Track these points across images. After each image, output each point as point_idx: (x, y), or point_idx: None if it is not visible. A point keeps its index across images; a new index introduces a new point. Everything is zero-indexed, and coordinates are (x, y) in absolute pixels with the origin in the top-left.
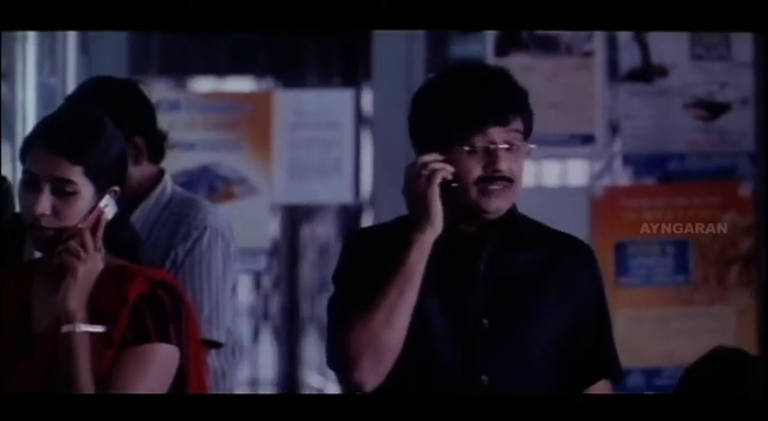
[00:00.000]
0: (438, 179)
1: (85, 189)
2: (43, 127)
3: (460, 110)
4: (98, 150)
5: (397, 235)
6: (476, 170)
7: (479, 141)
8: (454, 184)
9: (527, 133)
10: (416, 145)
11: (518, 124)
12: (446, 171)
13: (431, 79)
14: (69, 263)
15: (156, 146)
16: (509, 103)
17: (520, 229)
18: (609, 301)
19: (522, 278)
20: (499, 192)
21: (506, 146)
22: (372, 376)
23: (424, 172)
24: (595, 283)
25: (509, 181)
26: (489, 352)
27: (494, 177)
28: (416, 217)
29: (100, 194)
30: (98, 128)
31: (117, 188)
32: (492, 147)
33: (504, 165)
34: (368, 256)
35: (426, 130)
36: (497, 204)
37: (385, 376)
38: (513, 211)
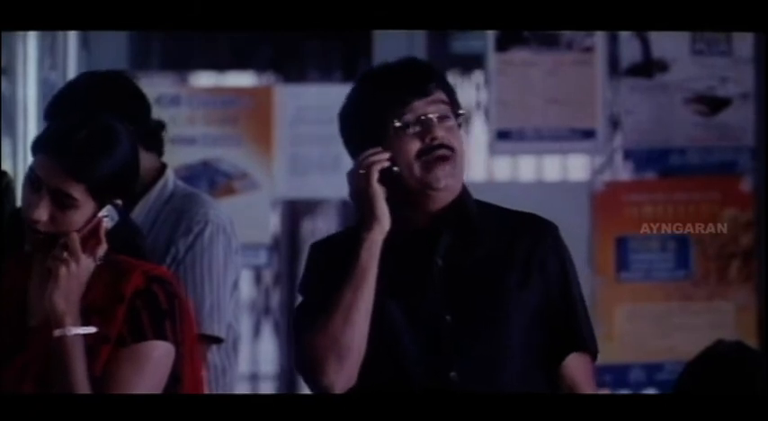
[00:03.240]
0: (376, 172)
1: (86, 204)
2: (55, 134)
3: (381, 93)
4: (105, 168)
5: (351, 239)
6: (414, 145)
7: (409, 117)
8: (396, 169)
9: (453, 106)
10: (351, 150)
11: (441, 95)
12: (382, 160)
13: (349, 92)
14: (54, 267)
15: (147, 132)
16: (424, 74)
17: (472, 217)
18: (581, 275)
19: (480, 268)
20: (442, 163)
21: (437, 115)
22: (339, 378)
23: (362, 170)
24: (558, 258)
25: (450, 149)
26: (456, 348)
27: (433, 146)
28: (363, 216)
29: (101, 206)
30: (109, 143)
31: (119, 201)
32: (423, 118)
33: (440, 133)
34: (326, 264)
35: (355, 129)
36: (445, 180)
37: (353, 378)
38: (463, 198)
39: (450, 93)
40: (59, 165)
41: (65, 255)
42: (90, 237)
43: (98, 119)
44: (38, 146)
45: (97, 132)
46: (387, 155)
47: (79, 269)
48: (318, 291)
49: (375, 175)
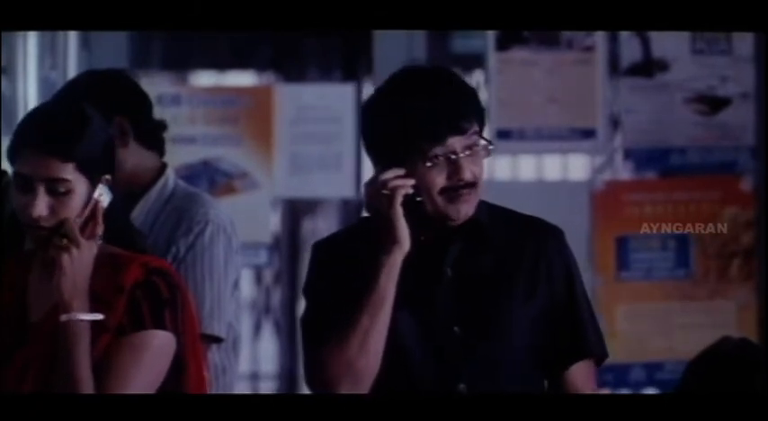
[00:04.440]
0: (399, 198)
1: (80, 184)
2: (29, 127)
3: (417, 123)
4: (87, 142)
5: (365, 247)
6: (439, 181)
7: (440, 152)
8: (418, 198)
9: (482, 130)
10: (373, 157)
11: (475, 127)
12: (406, 187)
13: (380, 90)
14: (56, 255)
15: (143, 127)
16: (464, 109)
17: (485, 229)
18: (582, 274)
19: (489, 276)
20: (466, 197)
21: (468, 153)
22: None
23: (385, 191)
24: (563, 263)
25: (474, 185)
26: (464, 359)
27: (459, 186)
28: (382, 238)
29: (93, 186)
30: (83, 120)
31: (109, 176)
32: (453, 157)
33: (468, 173)
34: (336, 271)
35: (383, 145)
36: (465, 210)
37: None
38: (477, 213)
39: (482, 120)
40: (45, 153)
41: (64, 242)
42: (89, 220)
43: (66, 103)
44: (15, 145)
45: (70, 112)
46: (411, 181)
47: (81, 253)
48: (327, 302)
49: (399, 199)
